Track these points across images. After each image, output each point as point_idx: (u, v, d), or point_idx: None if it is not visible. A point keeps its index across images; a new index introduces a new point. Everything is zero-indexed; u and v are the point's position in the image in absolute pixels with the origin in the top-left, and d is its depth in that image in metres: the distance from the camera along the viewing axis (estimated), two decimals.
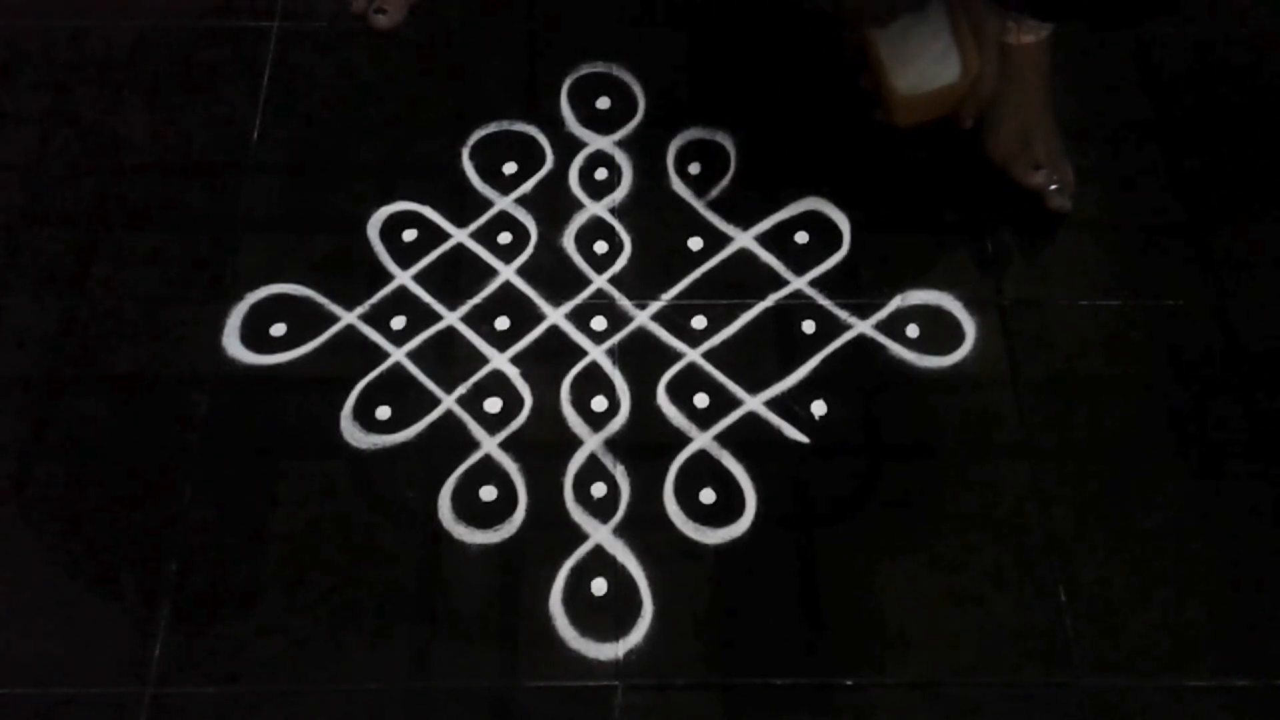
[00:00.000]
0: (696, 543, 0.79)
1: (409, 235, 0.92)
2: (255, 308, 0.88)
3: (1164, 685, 0.75)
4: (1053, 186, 0.91)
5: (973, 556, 0.79)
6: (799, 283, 0.90)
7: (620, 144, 0.97)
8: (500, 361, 0.86)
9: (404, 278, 0.90)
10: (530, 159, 0.96)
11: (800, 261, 0.91)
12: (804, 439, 0.83)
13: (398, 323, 0.88)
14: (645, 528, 0.80)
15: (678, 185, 0.95)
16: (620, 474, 0.82)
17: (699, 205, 0.93)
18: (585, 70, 1.01)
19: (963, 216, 0.94)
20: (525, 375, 0.86)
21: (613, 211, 0.93)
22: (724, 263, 0.91)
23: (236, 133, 0.97)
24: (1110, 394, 0.86)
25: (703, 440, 0.83)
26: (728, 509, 0.81)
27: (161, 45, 1.02)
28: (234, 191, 0.94)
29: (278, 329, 0.87)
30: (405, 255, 0.91)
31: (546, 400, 0.85)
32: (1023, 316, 0.89)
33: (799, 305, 0.89)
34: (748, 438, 0.83)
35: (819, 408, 0.85)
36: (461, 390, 0.85)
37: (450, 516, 0.80)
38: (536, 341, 0.87)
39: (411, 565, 0.78)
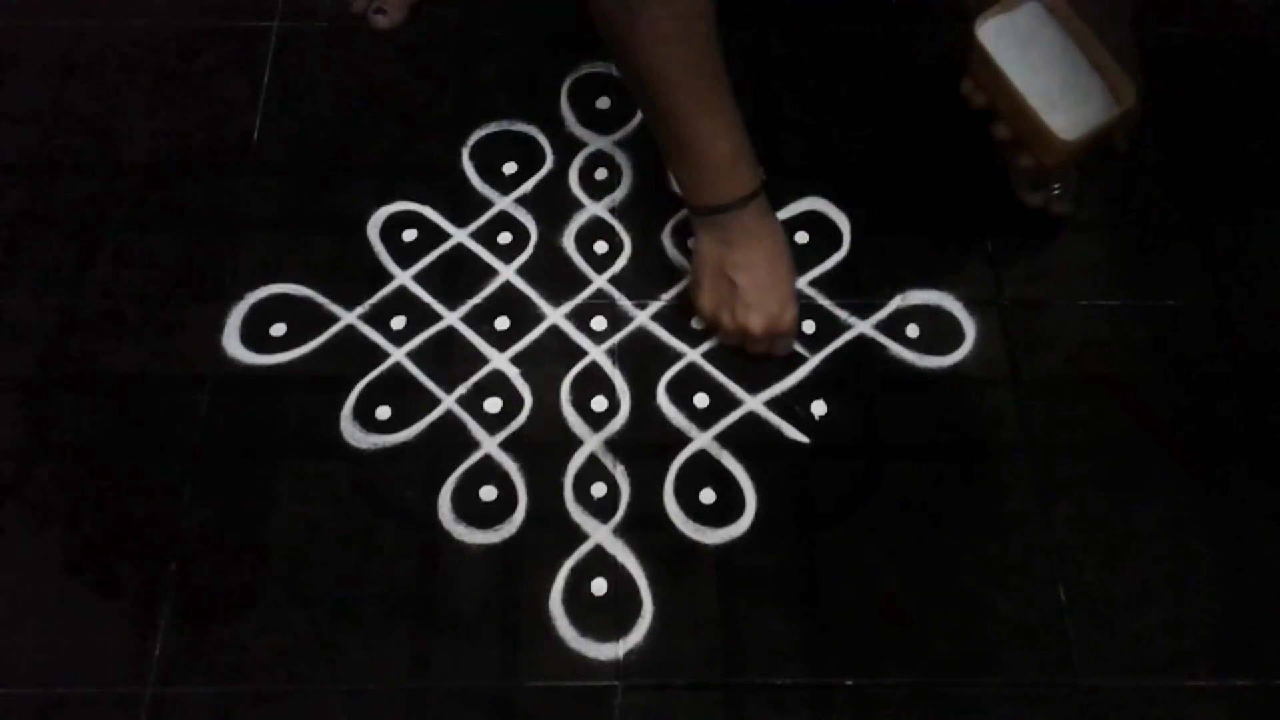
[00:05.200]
0: (696, 543, 0.79)
1: (409, 235, 0.92)
2: (255, 308, 0.88)
3: (1164, 685, 0.75)
4: (1054, 192, 0.91)
5: (973, 556, 0.79)
6: (799, 283, 0.90)
7: (620, 144, 0.97)
8: (500, 361, 0.86)
9: (404, 278, 0.90)
10: (530, 159, 0.96)
11: (800, 261, 0.91)
12: (804, 439, 0.84)
13: (398, 323, 0.88)
14: (645, 528, 0.80)
15: (678, 185, 0.94)
16: (620, 474, 0.82)
17: None
18: (585, 70, 1.01)
19: (963, 216, 0.94)
20: (525, 375, 0.86)
21: (613, 211, 0.93)
22: None
23: (236, 133, 0.97)
24: (1110, 394, 0.86)
25: (703, 440, 0.83)
26: (728, 509, 0.81)
27: (161, 45, 1.02)
28: (234, 191, 0.94)
29: (278, 329, 0.87)
30: (405, 255, 0.91)
31: (546, 400, 0.85)
32: (1023, 316, 0.89)
33: (799, 305, 0.89)
34: (748, 438, 0.83)
35: (819, 408, 0.85)
36: (461, 390, 0.85)
37: (450, 516, 0.80)
38: (536, 341, 0.87)
39: (411, 565, 0.78)
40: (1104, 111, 0.80)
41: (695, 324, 0.87)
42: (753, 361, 0.86)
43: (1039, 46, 0.81)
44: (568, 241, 0.92)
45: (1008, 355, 0.87)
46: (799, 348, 0.87)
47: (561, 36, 1.03)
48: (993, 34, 0.81)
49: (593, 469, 0.82)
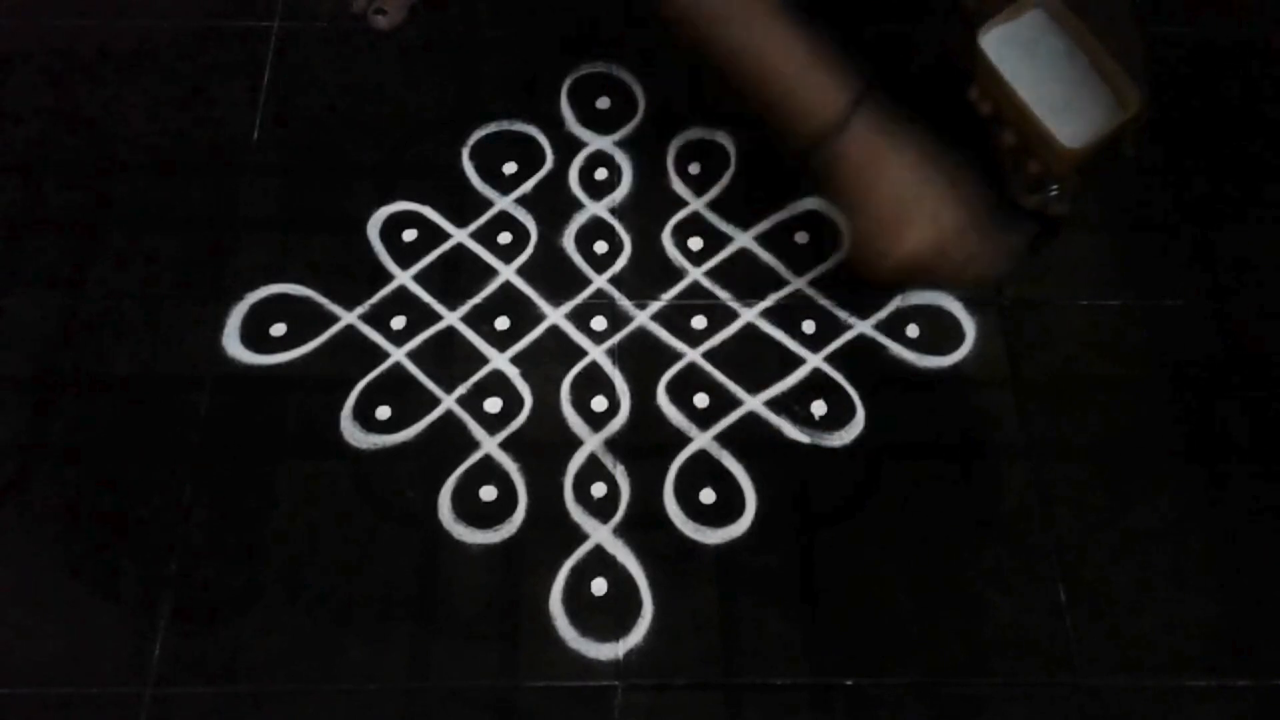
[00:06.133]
0: (696, 543, 0.79)
1: (409, 235, 0.92)
2: (255, 308, 0.88)
3: (1164, 685, 0.75)
4: (1052, 193, 0.91)
5: (973, 556, 0.79)
6: (799, 283, 0.90)
7: (620, 144, 0.97)
8: (500, 361, 0.86)
9: (404, 278, 0.90)
10: (530, 159, 0.96)
11: (800, 261, 0.91)
12: (804, 439, 0.84)
13: (398, 323, 0.88)
14: (645, 528, 0.80)
15: (678, 185, 0.95)
16: (620, 474, 0.82)
17: (699, 205, 0.93)
18: (585, 70, 1.01)
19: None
20: (525, 375, 0.86)
21: (613, 211, 0.93)
22: (724, 263, 0.91)
23: (236, 133, 0.97)
24: (1110, 394, 0.86)
25: (703, 440, 0.83)
26: (728, 509, 0.81)
27: (161, 45, 1.02)
28: (234, 191, 0.94)
29: (278, 329, 0.87)
30: (405, 255, 0.91)
31: (546, 400, 0.85)
32: (1023, 316, 0.89)
33: (799, 305, 0.89)
34: (748, 438, 0.83)
35: (819, 408, 0.85)
36: (461, 390, 0.85)
37: (450, 516, 0.80)
38: (536, 341, 0.87)
39: (411, 565, 0.78)
40: (1110, 118, 0.80)
41: None
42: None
43: (1043, 54, 0.81)
44: (568, 241, 0.92)
45: (1008, 355, 0.87)
46: (799, 348, 0.87)
47: (561, 36, 1.03)
48: (996, 43, 0.81)
49: (593, 469, 0.82)
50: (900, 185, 0.75)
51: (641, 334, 0.88)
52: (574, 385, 0.85)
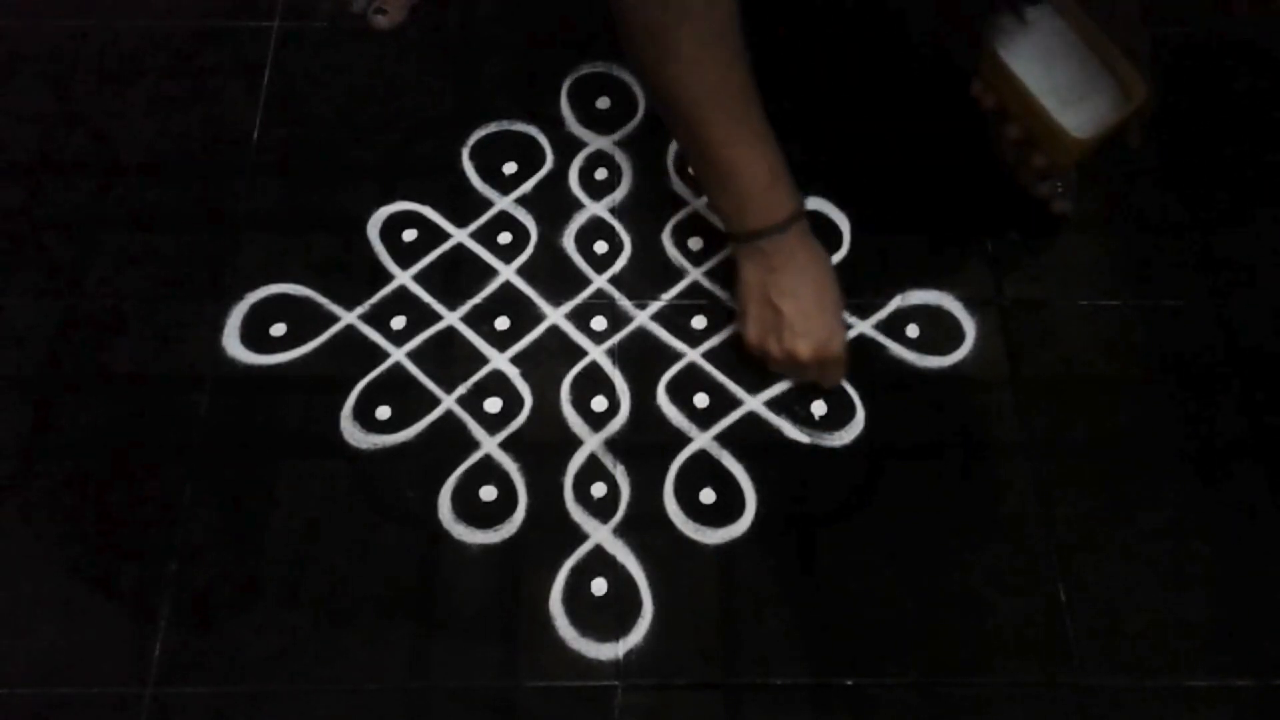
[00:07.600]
0: (696, 543, 0.79)
1: (409, 235, 0.92)
2: (255, 308, 0.88)
3: (1164, 685, 0.75)
4: (1058, 190, 0.91)
5: (973, 556, 0.79)
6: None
7: (620, 144, 0.97)
8: (500, 361, 0.86)
9: (404, 278, 0.90)
10: (530, 159, 0.96)
11: None
12: (804, 439, 0.84)
13: (398, 323, 0.88)
14: (645, 528, 0.80)
15: (678, 185, 0.95)
16: (620, 474, 0.82)
17: (699, 205, 0.93)
18: (585, 70, 1.01)
19: (963, 216, 0.94)
20: (525, 375, 0.86)
21: (613, 211, 0.93)
22: (724, 262, 0.91)
23: (236, 133, 0.97)
24: (1110, 394, 0.86)
25: (703, 440, 0.83)
26: (728, 509, 0.81)
27: (161, 45, 1.02)
28: (234, 191, 0.94)
29: (278, 329, 0.87)
30: (405, 255, 0.91)
31: (546, 400, 0.85)
32: (1023, 316, 0.89)
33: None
34: (748, 438, 0.83)
35: (819, 408, 0.85)
36: (461, 390, 0.85)
37: (450, 516, 0.80)
38: (536, 341, 0.87)
39: (411, 565, 0.78)
40: (1115, 108, 0.80)
41: (746, 359, 0.85)
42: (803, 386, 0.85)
43: (1049, 46, 0.81)
44: (568, 241, 0.92)
45: (1008, 355, 0.87)
46: None
47: (561, 36, 1.03)
48: (1002, 37, 0.81)
49: (593, 469, 0.82)
50: (797, 298, 0.80)
51: (641, 334, 0.88)
52: (574, 385, 0.85)
